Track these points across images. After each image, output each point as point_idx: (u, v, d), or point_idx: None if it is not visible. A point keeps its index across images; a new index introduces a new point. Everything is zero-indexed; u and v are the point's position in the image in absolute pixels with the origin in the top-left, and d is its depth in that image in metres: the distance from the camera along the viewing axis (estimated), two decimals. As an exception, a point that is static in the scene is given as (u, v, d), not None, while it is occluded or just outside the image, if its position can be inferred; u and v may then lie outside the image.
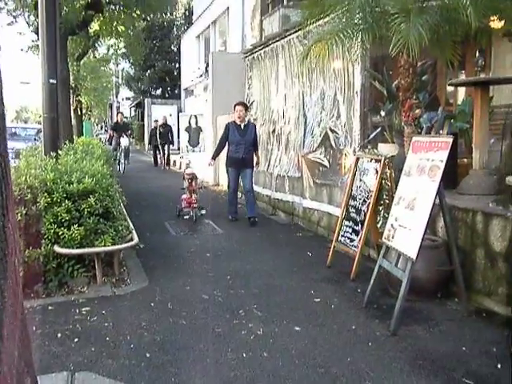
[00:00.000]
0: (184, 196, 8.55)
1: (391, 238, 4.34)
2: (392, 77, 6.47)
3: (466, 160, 6.36)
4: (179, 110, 26.15)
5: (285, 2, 12.22)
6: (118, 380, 3.19)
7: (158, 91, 31.88)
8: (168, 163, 19.46)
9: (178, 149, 21.51)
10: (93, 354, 3.56)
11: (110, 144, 17.10)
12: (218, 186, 13.25)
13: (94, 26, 12.93)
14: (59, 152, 6.00)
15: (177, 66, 29.83)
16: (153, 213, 9.29)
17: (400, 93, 5.09)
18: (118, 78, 34.69)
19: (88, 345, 3.70)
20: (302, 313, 4.40)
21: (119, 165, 16.53)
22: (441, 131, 4.77)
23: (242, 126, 8.20)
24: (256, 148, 8.44)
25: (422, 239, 3.88)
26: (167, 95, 31.35)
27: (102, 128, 48.04)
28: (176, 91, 29.99)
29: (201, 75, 21.12)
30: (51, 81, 5.88)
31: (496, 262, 4.41)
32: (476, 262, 4.61)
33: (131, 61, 28.71)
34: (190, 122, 19.51)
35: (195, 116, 19.58)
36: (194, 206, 8.32)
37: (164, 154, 19.34)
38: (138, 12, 11.87)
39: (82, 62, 16.94)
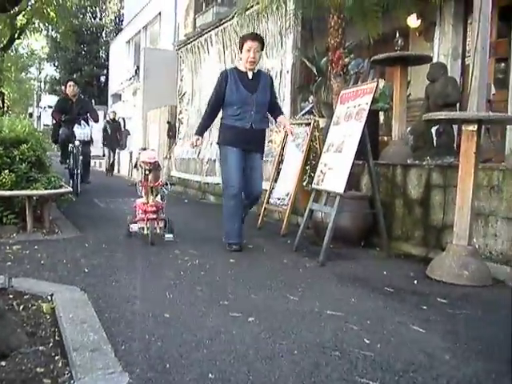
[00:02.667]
0: (139, 201, 4.98)
1: (321, 182, 4.63)
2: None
3: (386, 138, 6.87)
4: (105, 116, 25.71)
5: (218, 0, 12.56)
6: (57, 282, 3.20)
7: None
8: (112, 169, 15.89)
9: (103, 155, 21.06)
10: (29, 269, 3.55)
11: (55, 141, 8.97)
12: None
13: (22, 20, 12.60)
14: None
15: (105, 72, 29.41)
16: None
17: (330, 53, 5.47)
18: (40, 82, 33.65)
19: (22, 265, 3.68)
20: (236, 253, 4.56)
21: (71, 178, 8.32)
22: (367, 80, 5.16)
23: (251, 75, 4.71)
24: (278, 111, 4.98)
25: (350, 174, 4.19)
26: (94, 101, 30.71)
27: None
28: (102, 97, 29.49)
29: (130, 78, 20.99)
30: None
31: (413, 208, 4.81)
32: (395, 211, 5.00)
33: (56, 64, 27.98)
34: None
35: (123, 119, 19.38)
36: (150, 218, 4.76)
37: (110, 157, 15.60)
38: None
39: (5, 55, 16.34)
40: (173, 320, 2.68)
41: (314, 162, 5.51)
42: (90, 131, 8.50)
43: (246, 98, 4.60)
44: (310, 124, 5.65)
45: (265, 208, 6.09)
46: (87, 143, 8.57)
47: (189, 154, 10.54)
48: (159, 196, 4.95)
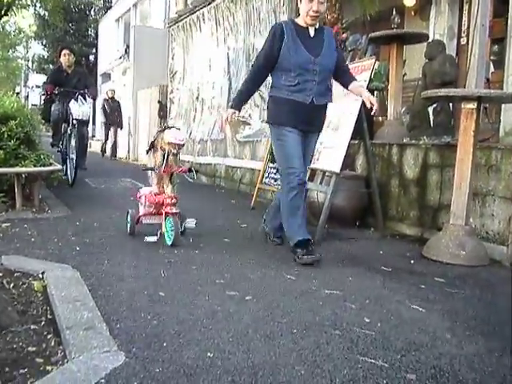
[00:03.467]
0: (145, 190, 4.13)
1: (316, 161, 4.56)
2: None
3: (380, 118, 6.80)
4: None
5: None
6: (48, 260, 3.12)
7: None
8: (115, 152, 14.46)
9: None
10: (19, 247, 3.47)
11: (46, 119, 7.71)
12: (138, 161, 13.06)
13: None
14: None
15: (94, 51, 28.93)
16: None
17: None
18: (27, 61, 33.08)
19: (12, 243, 3.59)
20: (230, 232, 4.51)
21: (65, 163, 7.08)
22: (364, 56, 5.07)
23: (312, 32, 3.63)
24: (348, 77, 3.85)
25: (346, 153, 4.13)
26: (82, 81, 30.25)
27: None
28: (91, 77, 29.06)
29: (120, 57, 20.67)
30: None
31: (408, 188, 4.77)
32: (391, 191, 4.95)
33: (44, 42, 27.48)
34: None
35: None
36: (172, 212, 3.81)
37: (113, 138, 14.30)
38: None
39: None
40: (168, 298, 2.61)
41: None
42: (89, 109, 7.10)
43: (307, 63, 3.49)
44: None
45: (258, 188, 6.03)
46: (85, 123, 7.19)
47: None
48: (170, 185, 3.94)
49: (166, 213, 3.79)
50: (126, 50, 18.86)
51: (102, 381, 1.70)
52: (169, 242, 3.75)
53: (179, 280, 2.96)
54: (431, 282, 3.17)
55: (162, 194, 3.90)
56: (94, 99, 7.54)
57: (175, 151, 3.78)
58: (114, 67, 22.25)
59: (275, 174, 5.84)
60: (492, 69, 5.80)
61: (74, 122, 6.82)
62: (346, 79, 3.82)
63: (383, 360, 1.98)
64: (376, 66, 7.34)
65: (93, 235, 4.04)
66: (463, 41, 7.29)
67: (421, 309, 2.64)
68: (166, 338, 2.10)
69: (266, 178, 5.99)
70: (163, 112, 12.00)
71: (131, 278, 2.93)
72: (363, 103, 3.72)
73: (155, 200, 3.92)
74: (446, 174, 4.34)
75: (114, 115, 13.84)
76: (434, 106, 4.99)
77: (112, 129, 14.02)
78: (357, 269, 3.43)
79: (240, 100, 3.74)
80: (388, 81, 6.37)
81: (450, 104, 5.20)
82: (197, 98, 9.82)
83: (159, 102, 12.26)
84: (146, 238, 3.81)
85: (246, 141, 7.79)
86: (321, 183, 4.54)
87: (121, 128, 14.16)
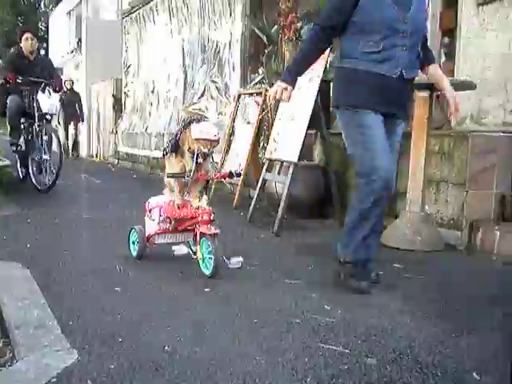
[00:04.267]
0: (158, 201, 3.19)
1: (273, 151, 4.54)
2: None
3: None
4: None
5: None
6: None
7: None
8: (76, 148, 13.32)
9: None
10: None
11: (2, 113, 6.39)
12: (94, 157, 12.77)
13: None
14: None
15: (44, 45, 28.06)
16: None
17: (281, 18, 5.34)
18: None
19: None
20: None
21: (23, 166, 6.38)
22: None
23: None
24: (428, 53, 2.89)
25: (303, 142, 4.11)
26: (33, 76, 29.36)
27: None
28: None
29: (72, 51, 20.14)
30: None
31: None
32: (349, 180, 4.98)
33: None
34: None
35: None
36: (210, 232, 2.84)
37: (74, 135, 13.01)
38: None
39: None
40: (125, 293, 2.54)
41: (266, 133, 5.41)
42: (58, 102, 6.35)
43: (395, 21, 2.55)
44: (261, 93, 5.52)
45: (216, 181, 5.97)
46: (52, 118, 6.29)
47: (136, 129, 10.24)
48: (204, 196, 2.98)
49: (201, 233, 2.84)
50: (78, 44, 18.38)
51: (54, 380, 1.62)
52: (207, 272, 2.82)
53: (136, 274, 2.88)
54: (390, 269, 3.19)
55: (187, 206, 2.99)
56: (59, 90, 6.65)
57: (206, 150, 2.83)
58: (66, 61, 21.66)
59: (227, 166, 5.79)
60: (443, 57, 5.92)
61: (48, 116, 5.94)
62: (424, 54, 2.80)
63: (344, 346, 1.97)
64: (331, 58, 7.42)
65: (45, 233, 3.91)
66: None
67: (380, 294, 2.65)
68: (122, 333, 2.02)
69: (224, 171, 5.93)
70: (118, 106, 11.75)
71: (86, 274, 2.84)
72: (319, 91, 3.71)
73: (179, 214, 3.00)
74: (402, 162, 4.39)
75: (73, 108, 12.35)
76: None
77: (72, 124, 12.67)
78: (316, 258, 3.43)
79: (296, 71, 2.74)
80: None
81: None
82: (152, 91, 9.66)
83: (114, 95, 11.99)
84: (173, 250, 2.96)
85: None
86: (279, 173, 4.52)
87: (82, 121, 12.77)
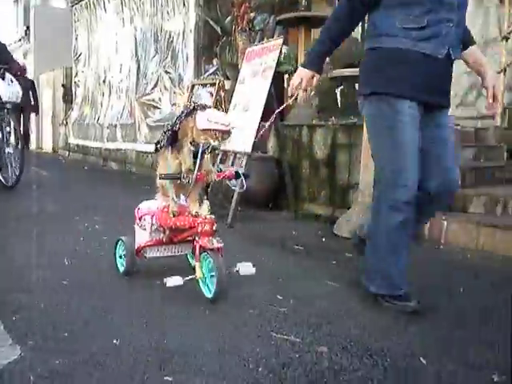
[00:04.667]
0: (149, 206, 2.68)
1: (227, 142, 4.49)
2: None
3: (291, 101, 6.87)
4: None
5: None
6: None
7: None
8: (27, 141, 11.12)
9: None
10: None
11: None
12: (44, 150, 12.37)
13: None
14: None
15: (-10, 32, 26.93)
16: None
17: (235, 9, 5.30)
18: None
19: None
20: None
21: None
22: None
23: None
24: (467, 34, 2.41)
25: (257, 133, 4.10)
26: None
27: None
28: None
29: (20, 39, 19.43)
30: None
31: (319, 169, 4.85)
32: (302, 172, 5.01)
33: None
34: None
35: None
36: (213, 247, 2.30)
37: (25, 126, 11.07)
38: None
39: None
40: (74, 286, 2.46)
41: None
42: (20, 89, 5.70)
43: None
44: (214, 84, 5.47)
45: (170, 172, 5.89)
46: (16, 108, 5.92)
47: (87, 120, 9.99)
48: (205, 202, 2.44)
49: (201, 247, 2.31)
50: (26, 32, 17.75)
51: (-6, 377, 1.56)
52: (209, 295, 2.33)
53: (86, 267, 2.80)
54: (342, 258, 3.23)
55: (184, 213, 2.45)
56: (21, 75, 6.20)
57: (217, 143, 2.32)
58: (13, 50, 20.86)
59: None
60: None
61: (8, 106, 5.47)
62: (465, 35, 2.36)
63: (295, 335, 1.97)
64: (285, 50, 7.43)
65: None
66: (366, 26, 7.51)
67: (333, 283, 2.67)
68: (69, 328, 1.96)
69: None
70: (68, 96, 11.41)
71: (32, 268, 2.73)
72: (273, 82, 3.70)
73: (175, 223, 2.47)
74: (354, 154, 4.44)
75: (26, 97, 10.45)
76: (341, 87, 5.09)
77: (24, 114, 10.96)
78: (270, 249, 3.43)
79: (321, 53, 2.36)
80: (297, 63, 6.43)
81: (357, 86, 5.32)
82: (104, 81, 9.43)
83: (63, 85, 11.63)
84: (166, 281, 2.27)
85: (156, 125, 7.58)
86: (232, 165, 4.49)
87: (36, 113, 11.50)
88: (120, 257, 2.73)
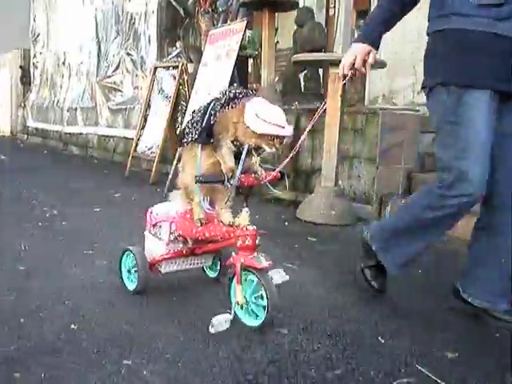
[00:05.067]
0: (167, 210, 2.19)
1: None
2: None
3: (255, 85, 6.84)
4: None
5: None
6: None
7: None
8: None
9: None
10: None
11: None
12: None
13: None
14: None
15: None
16: None
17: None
18: None
19: None
20: (104, 201, 4.30)
21: None
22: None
23: None
24: None
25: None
26: None
27: None
28: None
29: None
30: None
31: (281, 153, 4.85)
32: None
33: None
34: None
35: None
36: (260, 266, 1.87)
37: None
38: None
39: None
40: (30, 272, 2.41)
41: (184, 108, 5.30)
42: None
43: None
44: (177, 67, 5.39)
45: (132, 156, 5.80)
46: None
47: (46, 102, 9.72)
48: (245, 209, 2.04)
49: (245, 266, 1.90)
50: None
51: None
52: (254, 322, 1.89)
53: (44, 253, 2.75)
54: (304, 242, 3.26)
55: (213, 221, 2.04)
56: None
57: (273, 149, 1.86)
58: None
59: (148, 142, 5.65)
60: (356, 35, 6.06)
61: None
62: None
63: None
64: (249, 34, 7.38)
65: None
66: (331, 12, 7.53)
67: (294, 267, 2.69)
68: (25, 313, 1.92)
69: (140, 146, 5.78)
70: (26, 78, 11.06)
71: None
72: (236, 65, 3.68)
73: (203, 234, 2.04)
74: (317, 139, 4.47)
75: None
76: (305, 72, 5.10)
77: None
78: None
79: (378, 30, 2.05)
80: (261, 48, 6.40)
81: (320, 71, 5.35)
82: (63, 62, 9.18)
83: (21, 67, 11.26)
84: (211, 325, 1.81)
85: (118, 108, 7.44)
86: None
87: None
88: (129, 271, 2.25)
